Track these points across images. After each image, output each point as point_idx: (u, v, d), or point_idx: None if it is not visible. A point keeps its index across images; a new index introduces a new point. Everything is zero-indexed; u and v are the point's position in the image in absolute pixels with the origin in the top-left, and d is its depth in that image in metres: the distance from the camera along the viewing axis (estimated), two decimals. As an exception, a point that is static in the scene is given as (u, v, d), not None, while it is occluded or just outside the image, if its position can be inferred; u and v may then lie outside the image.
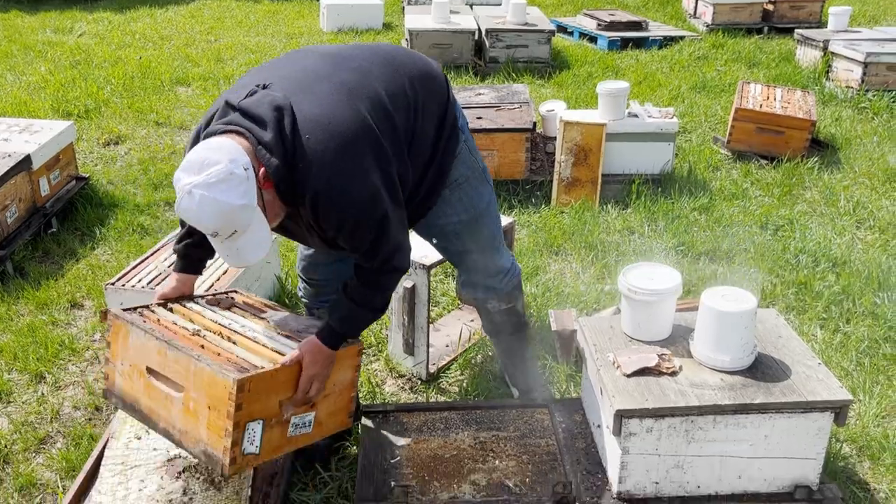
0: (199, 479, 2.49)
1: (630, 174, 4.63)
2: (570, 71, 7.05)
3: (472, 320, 3.37)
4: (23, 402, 2.96)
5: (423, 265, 3.01)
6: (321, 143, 1.98)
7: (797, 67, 7.04)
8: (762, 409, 2.16)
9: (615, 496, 2.26)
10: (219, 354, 2.10)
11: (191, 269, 2.39)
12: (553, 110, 4.87)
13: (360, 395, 2.90)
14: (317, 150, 1.97)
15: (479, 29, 7.31)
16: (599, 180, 4.50)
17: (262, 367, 2.06)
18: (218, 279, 3.19)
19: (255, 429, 2.05)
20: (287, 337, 2.27)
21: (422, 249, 3.11)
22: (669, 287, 2.39)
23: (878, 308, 3.45)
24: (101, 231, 4.20)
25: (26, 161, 4.00)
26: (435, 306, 3.53)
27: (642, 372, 2.27)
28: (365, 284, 2.19)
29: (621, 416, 2.15)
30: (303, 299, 2.74)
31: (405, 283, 3.04)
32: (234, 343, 2.20)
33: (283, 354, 2.14)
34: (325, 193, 1.98)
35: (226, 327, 2.28)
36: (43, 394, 3.00)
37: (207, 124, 2.09)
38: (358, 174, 2.02)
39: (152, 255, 3.41)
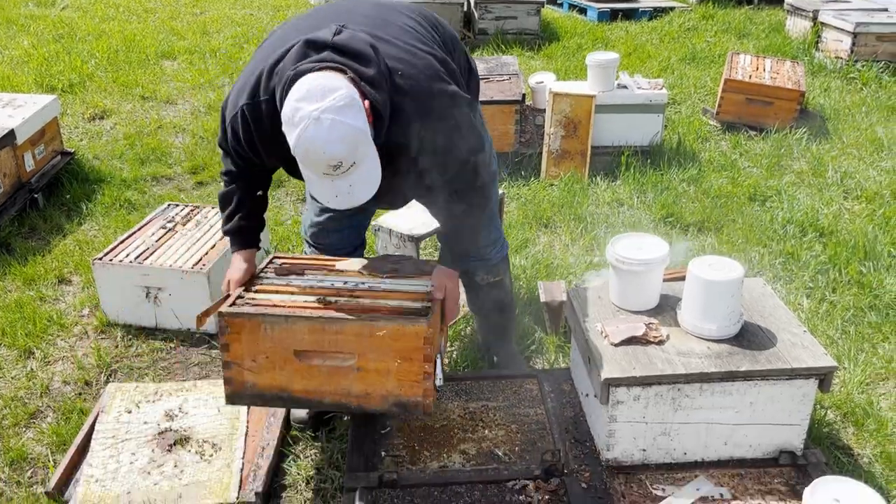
0: (190, 451, 2.50)
1: (619, 146, 4.62)
2: (559, 42, 7.00)
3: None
4: (12, 378, 2.96)
5: (412, 237, 3.01)
6: (413, 78, 2.00)
7: (787, 38, 7.02)
8: (748, 376, 2.18)
9: (603, 464, 2.29)
10: (371, 311, 2.12)
11: (251, 243, 2.35)
12: (542, 82, 4.84)
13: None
14: (413, 84, 1.99)
15: (468, 0, 7.25)
16: (589, 152, 4.49)
17: (429, 307, 2.14)
18: (206, 253, 3.19)
19: (438, 362, 2.17)
20: (397, 278, 2.31)
21: (409, 222, 3.11)
22: (657, 257, 2.40)
23: (863, 277, 3.48)
24: (88, 206, 4.17)
25: (10, 136, 3.96)
26: (424, 279, 3.53)
27: (630, 341, 2.29)
28: (473, 205, 2.24)
29: (609, 384, 2.17)
30: (309, 242, 2.71)
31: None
32: (359, 298, 2.20)
33: (416, 294, 2.21)
34: (432, 122, 2.01)
35: (339, 288, 2.25)
36: (32, 369, 3.00)
37: (276, 64, 2.01)
38: (454, 101, 2.08)
39: (139, 229, 3.39)
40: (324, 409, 2.17)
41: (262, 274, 2.35)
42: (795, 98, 5.07)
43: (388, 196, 2.20)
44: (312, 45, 1.95)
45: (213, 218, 3.49)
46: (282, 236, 3.86)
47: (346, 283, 2.30)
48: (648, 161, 4.58)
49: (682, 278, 2.42)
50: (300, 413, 2.65)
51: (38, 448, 2.63)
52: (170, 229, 3.39)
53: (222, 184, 2.37)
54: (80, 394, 2.88)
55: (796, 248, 3.73)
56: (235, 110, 2.10)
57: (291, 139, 1.83)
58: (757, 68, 5.37)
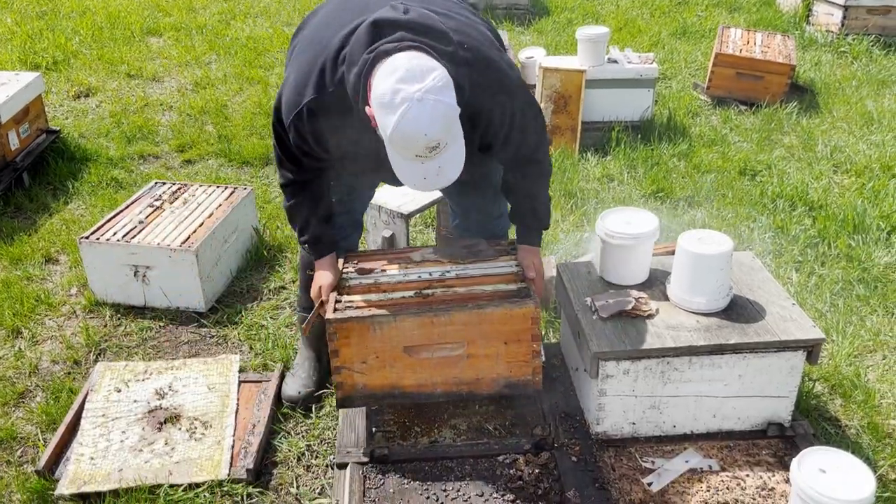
0: (180, 429, 2.50)
1: (610, 121, 4.60)
2: (549, 17, 6.95)
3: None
4: (0, 358, 2.94)
5: (402, 214, 2.99)
6: (475, 50, 2.00)
7: (778, 12, 6.98)
8: (736, 349, 2.19)
9: (593, 437, 2.30)
10: (472, 298, 2.15)
11: (332, 247, 2.34)
12: (532, 57, 4.81)
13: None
14: (475, 55, 1.98)
15: (457, -25, 7.16)
16: (579, 128, 4.47)
17: (526, 287, 2.19)
18: (194, 231, 3.16)
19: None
20: (480, 262, 2.35)
21: (399, 198, 3.10)
22: (646, 231, 2.40)
23: (852, 250, 3.49)
24: (74, 185, 4.13)
25: (-7, 114, 3.91)
26: (414, 256, 3.53)
27: (619, 315, 2.29)
28: (538, 175, 2.29)
29: (598, 358, 2.18)
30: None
31: (384, 232, 3.03)
32: (453, 287, 2.23)
33: (508, 276, 2.26)
34: (496, 93, 2.01)
35: (429, 280, 2.28)
36: (20, 349, 2.98)
37: (339, 50, 1.95)
38: (512, 70, 2.10)
39: (127, 208, 3.36)
40: (435, 399, 2.22)
41: (345, 276, 2.34)
42: (786, 72, 5.05)
43: None
44: (382, 26, 1.87)
45: (200, 196, 3.46)
46: (270, 214, 3.84)
47: (431, 273, 2.31)
48: (639, 136, 4.57)
49: (672, 252, 2.42)
50: (291, 391, 2.65)
51: (27, 427, 2.62)
52: (157, 207, 3.36)
53: (285, 197, 2.31)
54: (69, 373, 2.87)
55: (786, 221, 3.74)
56: (299, 107, 2.01)
57: (390, 121, 1.75)
58: (748, 42, 5.34)
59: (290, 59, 2.19)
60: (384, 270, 2.35)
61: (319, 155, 2.14)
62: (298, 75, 2.05)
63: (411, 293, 2.21)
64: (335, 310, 2.14)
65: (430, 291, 2.21)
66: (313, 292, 2.33)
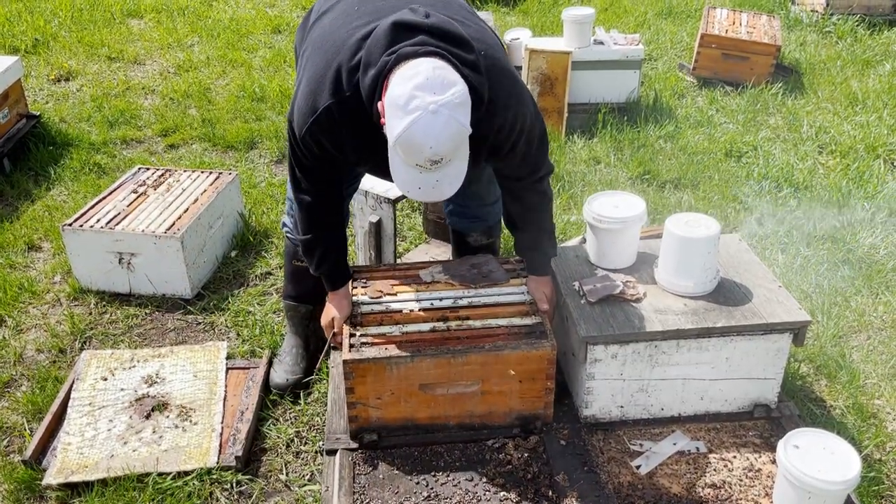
0: (168, 417, 2.49)
1: (596, 103, 4.59)
2: (535, -2, 6.90)
3: (438, 255, 3.36)
4: (-16, 347, 2.91)
5: (388, 199, 2.97)
6: (491, 58, 1.96)
7: (763, -9, 6.97)
8: (724, 332, 2.20)
9: (581, 421, 2.31)
10: (488, 336, 2.19)
11: (347, 279, 2.32)
12: (518, 39, 4.77)
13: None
14: (492, 63, 1.95)
15: (442, -45, 7.09)
16: (565, 110, 4.45)
17: (542, 322, 2.23)
18: (179, 217, 3.13)
19: None
20: (490, 286, 2.38)
21: (386, 183, 3.07)
22: (634, 215, 2.40)
23: (837, 232, 3.51)
24: (56, 171, 4.08)
25: (-28, 99, 3.85)
26: (402, 241, 3.52)
27: (607, 299, 2.29)
28: (543, 199, 2.27)
29: (587, 342, 2.18)
30: (291, 237, 2.60)
31: (371, 217, 3.01)
32: (468, 320, 2.25)
33: (521, 307, 2.29)
34: (509, 98, 1.98)
35: (442, 308, 2.29)
36: (4, 337, 2.95)
37: (357, 50, 1.89)
38: (524, 86, 2.08)
39: (110, 194, 3.32)
40: (447, 431, 2.26)
41: (356, 302, 2.33)
42: (771, 53, 5.05)
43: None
44: (404, 28, 1.82)
45: (185, 181, 3.43)
46: (256, 199, 3.81)
47: (442, 299, 2.33)
48: (625, 118, 4.56)
49: (659, 236, 2.42)
50: (278, 378, 2.65)
51: (13, 417, 2.60)
52: (141, 193, 3.32)
53: (301, 227, 2.23)
54: (54, 361, 2.84)
55: (771, 203, 3.75)
56: (316, 113, 1.94)
57: (398, 125, 1.72)
58: (733, 23, 5.33)
59: (302, 64, 2.09)
60: (395, 294, 2.36)
61: (336, 162, 2.08)
62: (311, 81, 1.97)
63: (426, 326, 2.23)
64: (350, 347, 2.15)
65: (444, 326, 2.23)
66: (325, 321, 2.32)
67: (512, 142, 2.04)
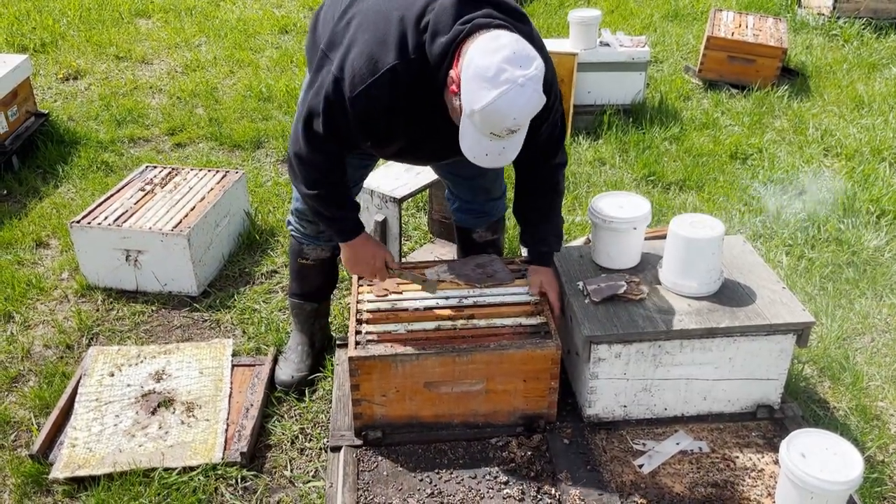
0: (174, 413, 2.51)
1: (601, 104, 4.60)
2: (541, 0, 6.91)
3: (443, 254, 3.38)
4: (-8, 342, 2.94)
5: (394, 198, 2.99)
6: (537, 34, 2.04)
7: (770, -6, 6.96)
8: (727, 332, 2.21)
9: (585, 420, 2.32)
10: (493, 335, 2.20)
11: (361, 226, 2.28)
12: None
13: (333, 327, 2.91)
14: (539, 40, 2.02)
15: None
16: (571, 111, 4.46)
17: (546, 323, 2.24)
18: (186, 215, 3.15)
19: None
20: (496, 286, 2.39)
21: (392, 182, 3.09)
22: (638, 215, 2.40)
23: (841, 234, 3.52)
24: (64, 169, 4.10)
25: (-19, 97, 3.88)
26: (407, 241, 3.53)
27: (611, 299, 2.30)
28: (555, 189, 2.33)
29: (591, 342, 2.19)
30: (295, 231, 2.58)
31: (377, 216, 3.03)
32: (473, 319, 2.27)
33: (526, 307, 2.30)
34: (553, 81, 2.06)
35: (448, 307, 2.31)
36: (12, 333, 2.98)
37: (421, 16, 1.91)
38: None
39: (118, 192, 3.34)
40: (452, 430, 2.28)
41: (361, 297, 2.35)
42: (777, 55, 5.05)
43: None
44: (467, 1, 1.88)
45: (191, 179, 3.45)
46: (262, 198, 3.83)
47: (447, 298, 2.34)
48: (630, 120, 4.57)
49: (664, 237, 2.43)
50: (284, 376, 2.66)
51: (21, 412, 2.62)
52: (148, 191, 3.35)
53: (308, 188, 2.16)
54: (61, 357, 2.86)
55: (776, 205, 3.75)
56: (377, 74, 1.90)
57: (484, 96, 1.75)
58: (739, 25, 5.34)
59: (354, 30, 2.01)
60: (400, 293, 2.37)
61: (378, 134, 2.04)
62: (371, 42, 1.94)
63: (432, 325, 2.24)
64: (356, 344, 2.17)
65: (450, 325, 2.24)
66: (372, 270, 2.29)
67: (549, 114, 2.10)
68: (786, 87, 5.04)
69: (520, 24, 1.93)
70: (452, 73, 1.84)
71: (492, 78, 1.74)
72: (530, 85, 1.76)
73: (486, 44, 1.78)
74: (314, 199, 2.17)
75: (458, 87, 1.82)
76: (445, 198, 2.80)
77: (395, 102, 1.96)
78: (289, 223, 2.62)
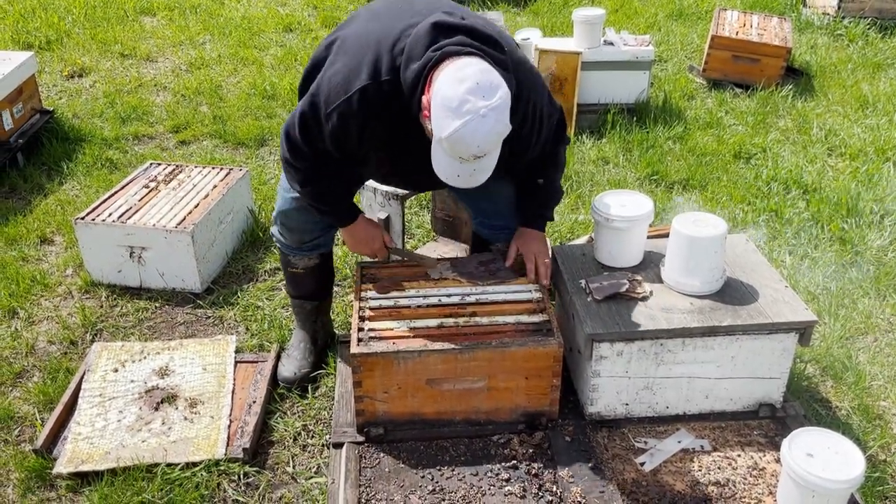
0: (177, 409, 2.52)
1: (605, 104, 4.59)
2: (545, -1, 6.91)
3: (446, 252, 3.38)
4: (-4, 338, 2.95)
5: (397, 196, 2.99)
6: (515, 54, 2.11)
7: (775, -6, 6.95)
8: (729, 331, 2.21)
9: (586, 417, 2.32)
10: (495, 333, 2.21)
11: (357, 211, 2.40)
12: (528, 39, 4.79)
13: (337, 325, 2.92)
14: (517, 60, 2.11)
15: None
16: (575, 110, 4.47)
17: (547, 320, 2.25)
18: (189, 212, 3.16)
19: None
20: (498, 284, 2.39)
21: (395, 180, 3.09)
22: (641, 214, 2.41)
23: (845, 234, 3.51)
24: (69, 166, 4.12)
25: (-13, 94, 3.89)
26: (410, 238, 3.53)
27: (613, 297, 2.31)
28: (556, 158, 2.40)
29: (592, 339, 2.19)
30: (279, 242, 2.59)
31: (380, 214, 3.03)
32: (476, 316, 2.28)
33: (528, 304, 2.31)
34: (531, 97, 2.14)
35: (450, 305, 2.32)
36: (17, 329, 2.99)
37: (396, 41, 1.99)
38: (538, 74, 2.27)
39: (122, 189, 3.35)
40: (454, 427, 2.29)
41: (364, 295, 2.36)
42: (782, 55, 5.04)
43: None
44: (444, 28, 1.94)
45: (195, 177, 3.46)
46: (266, 195, 3.83)
47: (450, 295, 2.35)
48: (634, 119, 4.57)
49: (666, 235, 2.43)
50: (286, 372, 2.67)
51: (24, 407, 2.63)
52: (152, 188, 3.36)
53: (302, 186, 2.27)
54: (65, 353, 2.87)
55: (780, 205, 3.75)
56: (349, 93, 2.00)
57: (449, 125, 1.83)
58: (744, 25, 5.33)
59: (334, 53, 2.13)
60: (403, 290, 2.38)
61: (352, 150, 2.13)
62: (349, 63, 2.04)
63: (434, 322, 2.25)
64: (359, 341, 2.17)
65: (452, 321, 2.25)
66: (371, 250, 2.41)
67: (536, 129, 2.19)
68: (790, 87, 5.04)
69: (493, 50, 1.94)
70: (424, 98, 1.91)
71: (455, 109, 1.81)
72: (492, 115, 1.82)
73: (452, 73, 1.84)
74: (308, 195, 2.29)
75: (430, 112, 1.88)
76: (468, 212, 2.76)
77: (366, 122, 2.04)
78: (272, 234, 2.62)
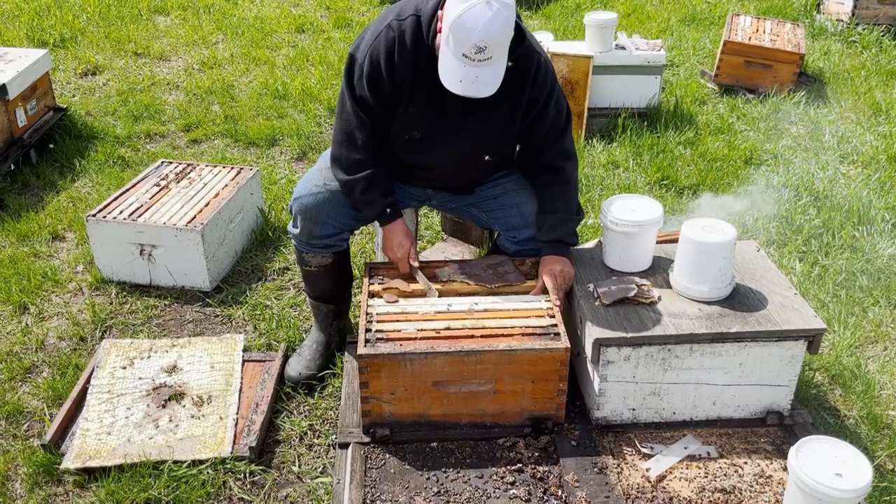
0: (184, 406, 2.53)
1: (616, 108, 4.59)
2: (558, 2, 6.90)
3: (455, 253, 3.38)
4: (7, 333, 2.97)
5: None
6: (533, 37, 2.38)
7: (788, 0, 6.93)
8: (738, 337, 2.20)
9: (593, 422, 2.32)
10: (502, 336, 2.21)
11: (399, 210, 2.47)
12: (540, 42, 4.78)
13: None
14: (533, 38, 2.37)
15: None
16: (586, 114, 4.46)
17: (554, 324, 2.25)
18: (200, 211, 3.18)
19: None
20: (508, 293, 2.38)
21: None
22: (650, 219, 2.40)
23: (856, 241, 3.49)
24: (81, 163, 4.14)
25: (2, 90, 3.91)
26: (419, 240, 3.54)
27: (621, 302, 2.30)
28: (563, 174, 2.45)
29: (600, 344, 2.19)
30: (292, 236, 2.58)
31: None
32: (483, 320, 2.27)
33: (537, 311, 2.30)
34: (545, 58, 2.35)
35: (459, 312, 2.31)
36: (27, 324, 3.01)
37: (415, 5, 2.23)
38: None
39: (133, 186, 3.37)
40: (460, 429, 2.29)
41: (371, 304, 2.35)
42: (795, 61, 5.02)
43: (481, 131, 2.37)
44: None
45: (206, 175, 3.47)
46: (276, 195, 3.85)
47: (459, 301, 2.35)
48: (645, 123, 4.56)
49: (675, 240, 2.43)
50: (292, 372, 2.68)
51: (33, 402, 2.65)
52: (163, 187, 3.37)
53: (346, 170, 2.40)
54: (74, 349, 2.89)
55: (790, 212, 3.74)
56: (377, 36, 2.24)
57: (454, 11, 1.99)
58: (757, 30, 5.31)
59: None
60: (411, 292, 2.38)
61: (386, 95, 2.29)
62: (375, 24, 2.30)
63: (441, 325, 2.25)
64: (366, 342, 2.17)
65: (460, 325, 2.24)
66: (398, 254, 2.43)
67: (547, 92, 2.34)
68: (803, 93, 5.01)
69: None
70: (440, 13, 2.13)
71: (462, 1, 1.99)
72: (496, 5, 1.97)
73: None
74: (352, 184, 2.40)
75: (442, 25, 2.07)
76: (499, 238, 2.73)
77: (394, 57, 2.23)
78: (289, 232, 2.62)
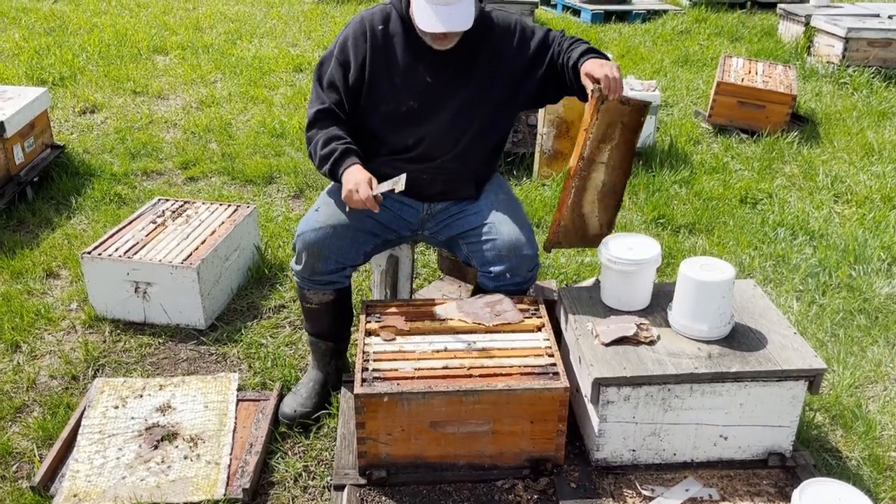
0: (177, 447, 2.49)
1: (612, 147, 4.61)
2: (553, 43, 7.01)
3: (451, 292, 3.37)
4: (-2, 372, 2.93)
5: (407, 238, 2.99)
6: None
7: (779, 42, 7.05)
8: (738, 377, 2.18)
9: (593, 464, 2.29)
10: (501, 375, 2.18)
11: (358, 157, 2.47)
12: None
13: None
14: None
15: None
16: (581, 153, 4.48)
17: (553, 363, 2.23)
18: (196, 248, 3.17)
19: None
20: (507, 332, 2.37)
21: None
22: (648, 257, 2.40)
23: (853, 280, 3.49)
24: (78, 200, 4.14)
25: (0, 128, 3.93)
26: (415, 277, 3.52)
27: (620, 341, 2.28)
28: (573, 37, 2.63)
29: (599, 384, 2.17)
30: (294, 272, 2.58)
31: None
32: (481, 360, 2.25)
33: (536, 350, 2.29)
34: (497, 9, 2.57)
35: (456, 350, 2.29)
36: (19, 363, 2.97)
37: None
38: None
39: (129, 224, 3.36)
40: (457, 471, 2.25)
41: (368, 342, 2.33)
42: (787, 102, 5.09)
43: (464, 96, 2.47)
44: None
45: (203, 213, 3.47)
46: (272, 232, 3.84)
47: (457, 341, 2.34)
48: (640, 163, 4.59)
49: (673, 283, 2.42)
50: (287, 409, 2.64)
51: (23, 442, 2.60)
52: (160, 224, 3.37)
53: (313, 129, 2.52)
54: (66, 388, 2.85)
55: (787, 250, 3.74)
56: (346, 27, 2.51)
57: None
58: (749, 72, 5.39)
59: None
60: (409, 331, 2.36)
61: (359, 66, 2.46)
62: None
63: (439, 364, 2.23)
64: (363, 381, 2.15)
65: (458, 364, 2.23)
66: (356, 188, 2.31)
67: (512, 22, 2.53)
68: (795, 134, 5.07)
69: None
70: None
71: None
72: None
73: None
74: (312, 128, 2.50)
75: None
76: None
77: (365, 37, 2.45)
78: (291, 268, 2.61)
